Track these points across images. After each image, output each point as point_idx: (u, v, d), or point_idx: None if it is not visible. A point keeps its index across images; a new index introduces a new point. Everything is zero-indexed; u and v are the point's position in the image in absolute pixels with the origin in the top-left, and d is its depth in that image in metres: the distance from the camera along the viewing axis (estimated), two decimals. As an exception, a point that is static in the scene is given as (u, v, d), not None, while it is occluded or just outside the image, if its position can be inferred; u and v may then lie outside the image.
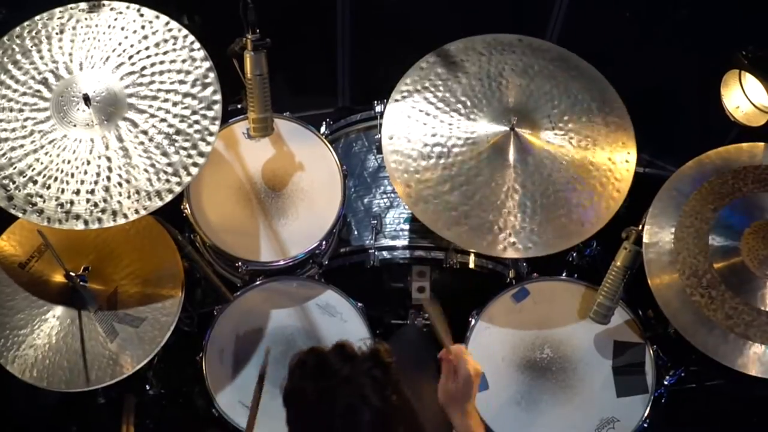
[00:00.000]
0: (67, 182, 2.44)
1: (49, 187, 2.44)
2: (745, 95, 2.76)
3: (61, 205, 2.42)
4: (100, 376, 2.57)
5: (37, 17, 2.64)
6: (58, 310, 2.64)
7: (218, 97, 2.56)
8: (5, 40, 2.61)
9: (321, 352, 1.79)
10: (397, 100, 2.83)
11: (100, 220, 2.42)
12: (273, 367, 2.74)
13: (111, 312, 2.63)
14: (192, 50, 2.61)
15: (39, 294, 2.64)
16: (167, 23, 2.64)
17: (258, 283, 2.88)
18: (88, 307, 2.63)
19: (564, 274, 3.02)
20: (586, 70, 2.91)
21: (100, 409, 2.84)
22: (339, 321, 2.83)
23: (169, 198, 2.45)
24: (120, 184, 2.45)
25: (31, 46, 2.59)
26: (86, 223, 2.41)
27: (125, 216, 2.42)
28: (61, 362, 2.57)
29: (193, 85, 2.57)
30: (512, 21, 3.01)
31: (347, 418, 1.71)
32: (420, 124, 2.79)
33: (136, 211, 2.43)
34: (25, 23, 2.63)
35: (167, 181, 2.46)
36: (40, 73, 2.57)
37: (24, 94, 2.54)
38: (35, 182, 2.44)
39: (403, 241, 3.01)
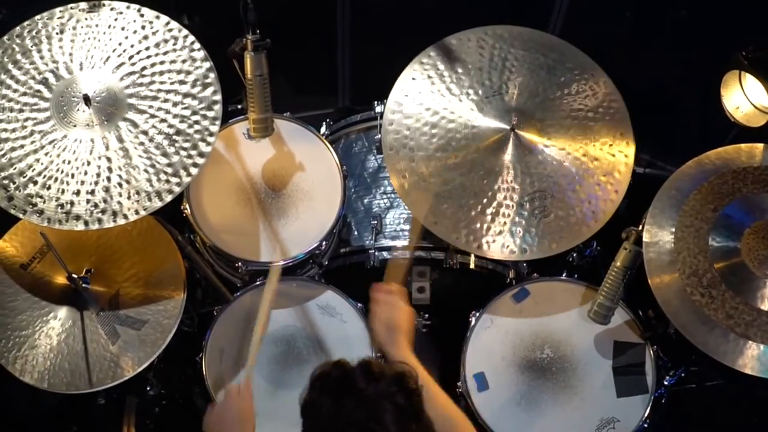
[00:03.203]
0: (67, 183, 2.44)
1: (49, 188, 2.43)
2: (745, 96, 2.76)
3: (61, 206, 2.42)
4: (101, 378, 2.57)
5: (38, 17, 2.64)
6: (60, 311, 2.64)
7: (218, 97, 2.56)
8: (5, 39, 2.61)
9: (346, 368, 1.76)
10: (430, 56, 2.86)
11: (100, 220, 2.42)
12: (273, 367, 2.76)
13: (113, 314, 2.64)
14: (192, 50, 2.61)
15: (41, 295, 2.65)
16: (167, 23, 2.64)
17: (258, 283, 2.87)
18: (90, 308, 2.63)
19: (564, 275, 3.02)
20: (588, 67, 2.90)
21: (100, 410, 2.84)
22: (339, 321, 2.83)
23: (169, 198, 2.45)
24: (120, 185, 2.45)
25: (32, 46, 2.59)
26: (86, 223, 2.41)
27: (125, 217, 2.42)
28: (62, 364, 2.57)
29: (194, 86, 2.56)
30: (512, 21, 3.00)
31: None
32: (439, 83, 2.81)
33: (136, 212, 2.43)
34: (25, 23, 2.63)
35: (167, 181, 2.46)
36: (40, 73, 2.56)
37: (24, 94, 2.53)
38: (35, 183, 2.44)
39: (403, 242, 3.02)
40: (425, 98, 2.82)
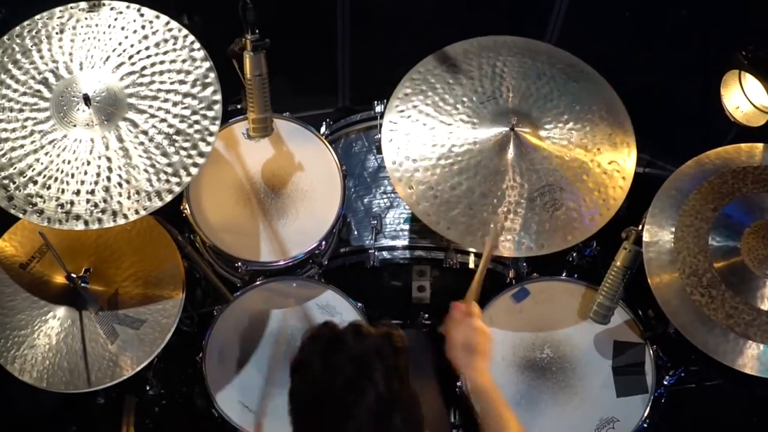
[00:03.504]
0: (67, 182, 2.44)
1: (49, 188, 2.43)
2: (745, 95, 2.77)
3: (62, 206, 2.42)
4: (100, 377, 2.57)
5: (37, 17, 2.63)
6: (59, 311, 2.64)
7: (218, 97, 2.56)
8: (5, 39, 2.61)
9: (335, 328, 1.80)
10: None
11: (100, 220, 2.42)
12: (274, 367, 2.77)
13: (112, 313, 2.64)
14: (192, 50, 2.61)
15: (40, 295, 2.65)
16: (167, 23, 2.64)
17: (258, 283, 2.88)
18: (89, 308, 2.63)
19: (564, 274, 3.02)
20: (586, 70, 2.91)
21: (100, 410, 2.84)
22: (339, 321, 2.83)
23: (169, 198, 2.45)
24: (120, 185, 2.45)
25: (31, 46, 2.59)
26: (86, 223, 2.41)
27: (125, 216, 2.42)
28: (61, 363, 2.57)
29: (193, 85, 2.56)
30: (512, 21, 3.01)
31: (349, 394, 1.70)
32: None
33: (136, 212, 2.43)
34: (25, 23, 2.63)
35: (167, 181, 2.46)
36: (40, 73, 2.56)
37: (24, 94, 2.53)
38: (35, 182, 2.44)
39: (403, 241, 3.02)
40: (420, 116, 2.80)
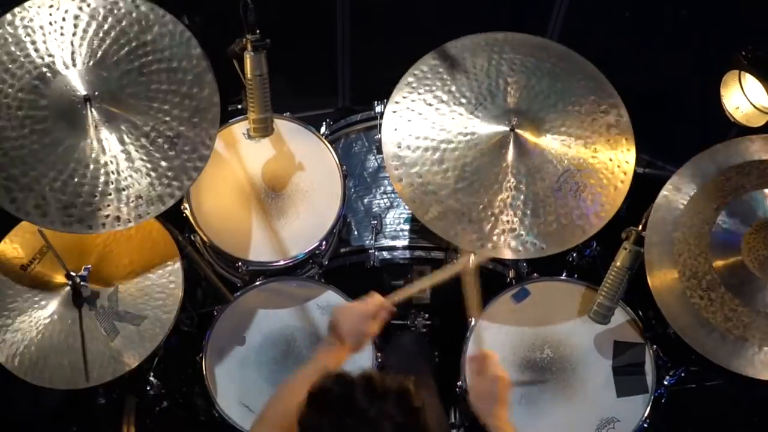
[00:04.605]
0: (69, 184, 2.44)
1: (51, 190, 2.43)
2: (745, 96, 2.77)
3: (64, 208, 2.42)
4: (102, 374, 2.57)
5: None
6: (60, 309, 2.64)
7: (217, 98, 2.56)
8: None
9: (348, 384, 1.70)
10: (397, 102, 2.81)
11: (103, 224, 2.43)
12: (273, 367, 2.77)
13: (112, 311, 2.64)
14: (192, 50, 2.60)
15: (41, 295, 2.65)
16: (167, 23, 2.63)
17: (258, 283, 2.88)
18: (89, 306, 2.63)
19: (564, 275, 3.02)
20: (586, 69, 2.90)
21: (101, 410, 2.84)
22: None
23: (170, 203, 2.46)
24: (121, 189, 2.45)
25: (26, 38, 2.55)
26: (90, 227, 2.42)
27: (128, 221, 2.43)
28: (61, 361, 2.57)
29: (193, 86, 2.56)
30: (512, 21, 3.00)
31: None
32: (422, 122, 2.77)
33: (139, 216, 2.43)
34: (17, 20, 2.58)
35: (168, 185, 2.46)
36: (39, 73, 2.55)
37: (21, 90, 2.51)
38: (38, 184, 2.43)
39: (403, 242, 3.02)
40: (419, 141, 2.76)
